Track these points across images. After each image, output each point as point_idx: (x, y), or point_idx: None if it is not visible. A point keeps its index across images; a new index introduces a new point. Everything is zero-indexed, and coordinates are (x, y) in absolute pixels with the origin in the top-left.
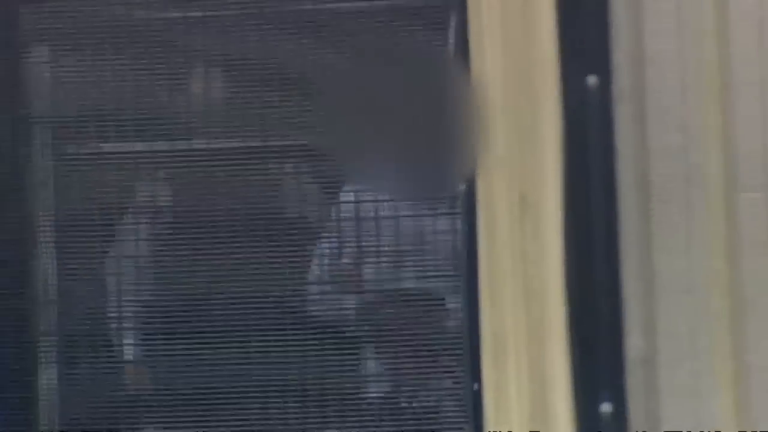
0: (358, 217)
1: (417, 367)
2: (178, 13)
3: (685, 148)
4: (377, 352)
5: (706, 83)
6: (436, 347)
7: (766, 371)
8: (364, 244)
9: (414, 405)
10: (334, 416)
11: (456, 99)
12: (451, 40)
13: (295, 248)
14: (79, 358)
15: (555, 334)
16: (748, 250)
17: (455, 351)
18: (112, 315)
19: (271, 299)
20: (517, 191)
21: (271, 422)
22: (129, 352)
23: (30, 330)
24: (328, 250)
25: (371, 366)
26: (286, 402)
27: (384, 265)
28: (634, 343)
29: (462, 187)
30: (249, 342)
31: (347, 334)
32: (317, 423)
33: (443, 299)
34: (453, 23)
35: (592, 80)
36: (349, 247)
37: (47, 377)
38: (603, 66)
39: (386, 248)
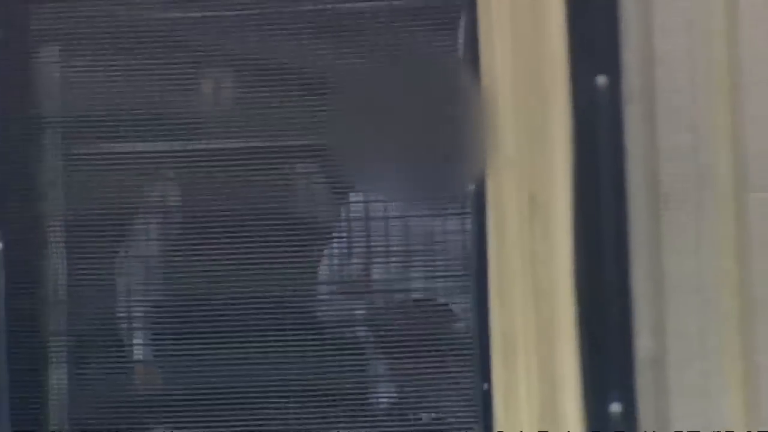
0: (367, 217)
1: (427, 367)
2: (188, 13)
3: (694, 148)
4: (387, 352)
5: (716, 83)
6: (445, 347)
7: None
8: (373, 244)
9: (424, 405)
10: (344, 415)
11: (465, 99)
12: (461, 39)
13: (305, 249)
14: (89, 358)
15: (564, 334)
16: (758, 250)
17: (465, 351)
18: (122, 315)
19: (280, 300)
20: (527, 191)
21: (281, 422)
22: (138, 352)
23: (40, 330)
24: (337, 251)
25: (382, 366)
26: (298, 400)
27: (393, 265)
28: (643, 343)
29: (471, 187)
30: (259, 342)
31: (357, 334)
32: (327, 422)
33: (453, 299)
34: (462, 23)
35: (601, 80)
36: (358, 247)
37: (57, 377)
38: (612, 66)
39: (395, 248)
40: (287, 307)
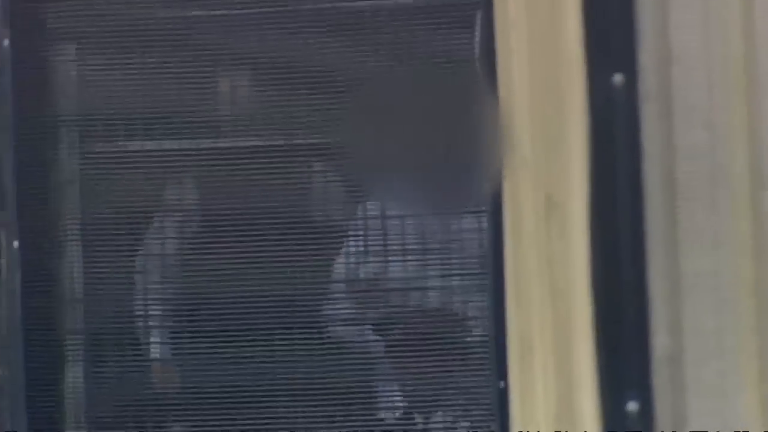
0: (383, 215)
1: (443, 366)
2: (203, 11)
3: (711, 146)
4: (403, 351)
5: (733, 81)
6: (462, 346)
7: None
8: (389, 243)
9: (440, 403)
10: (360, 414)
11: (481, 98)
12: (477, 38)
13: (320, 247)
14: (105, 357)
15: (581, 333)
16: None
17: (481, 349)
18: (138, 313)
19: (296, 298)
20: (543, 191)
21: (300, 420)
22: (155, 351)
23: (56, 328)
24: (353, 249)
25: (398, 365)
26: (312, 398)
27: (409, 264)
28: (660, 341)
29: (488, 187)
30: (277, 341)
31: (373, 333)
32: (341, 419)
33: (469, 299)
34: (479, 21)
35: (618, 79)
36: (374, 246)
37: (73, 375)
38: (629, 64)
39: (411, 247)
40: (303, 306)
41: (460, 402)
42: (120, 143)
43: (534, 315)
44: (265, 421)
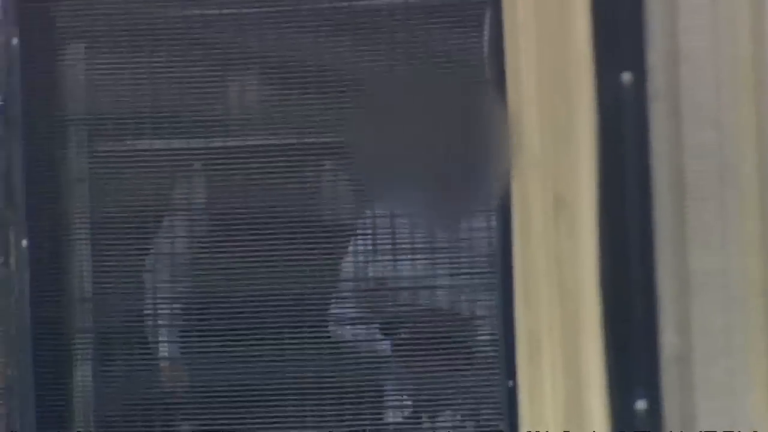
0: (392, 214)
1: (452, 365)
2: (213, 10)
3: (719, 146)
4: (412, 350)
5: (741, 80)
6: (470, 345)
7: None
8: (399, 242)
9: (449, 403)
10: (369, 413)
11: (490, 98)
12: (486, 37)
13: (329, 246)
14: (114, 356)
15: (589, 332)
16: None
17: (490, 348)
18: (147, 313)
19: (305, 297)
20: (552, 190)
21: (306, 419)
22: (164, 350)
23: (65, 328)
24: (362, 248)
25: (407, 363)
26: (320, 397)
27: (419, 263)
28: (668, 340)
29: (497, 186)
30: (286, 340)
31: (382, 331)
32: (351, 418)
33: (479, 298)
34: (488, 21)
35: (626, 77)
36: (383, 244)
37: (82, 375)
38: (638, 63)
39: (420, 246)
40: (312, 305)
41: (468, 401)
42: (129, 142)
43: (543, 314)
44: (274, 420)
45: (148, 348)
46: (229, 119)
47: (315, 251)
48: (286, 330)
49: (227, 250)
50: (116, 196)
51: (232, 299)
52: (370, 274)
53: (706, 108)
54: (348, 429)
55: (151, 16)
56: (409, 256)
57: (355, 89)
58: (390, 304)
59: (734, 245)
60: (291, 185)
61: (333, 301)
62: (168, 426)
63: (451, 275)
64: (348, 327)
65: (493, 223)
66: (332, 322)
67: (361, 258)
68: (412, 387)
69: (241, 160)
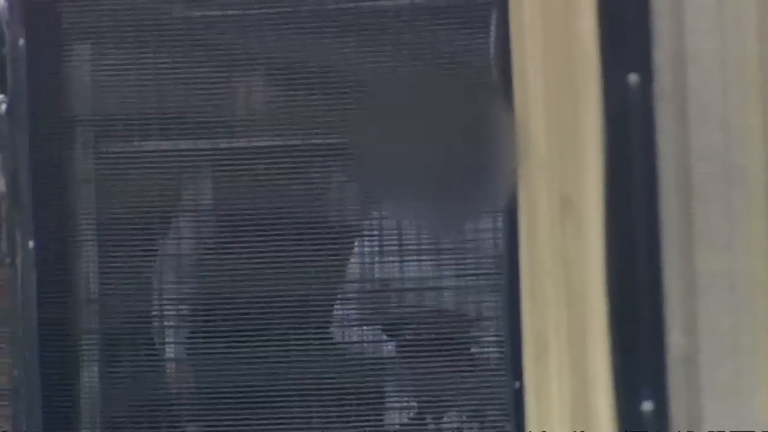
0: (398, 215)
1: (458, 367)
2: (219, 11)
3: (726, 147)
4: (418, 352)
5: (748, 81)
6: (477, 346)
7: None
8: (405, 243)
9: (455, 404)
10: (375, 414)
11: (497, 99)
12: (492, 38)
13: (335, 247)
14: (121, 357)
15: (596, 333)
16: None
17: (496, 350)
18: (154, 313)
19: (312, 298)
20: (558, 191)
21: (311, 420)
22: (171, 351)
23: (72, 329)
24: (368, 249)
25: (413, 365)
26: (326, 399)
27: (425, 265)
28: (675, 341)
29: (503, 187)
30: (293, 342)
31: (388, 333)
32: (356, 420)
33: (485, 299)
34: (494, 22)
35: (633, 78)
36: (390, 246)
37: (89, 376)
38: (644, 64)
39: (427, 247)
40: (318, 307)
41: (475, 402)
42: (135, 143)
43: (549, 315)
44: (280, 421)
45: (155, 349)
46: (235, 120)
47: (321, 252)
48: (292, 331)
49: (233, 252)
50: (123, 197)
51: (238, 301)
52: (377, 276)
53: (713, 109)
54: (354, 430)
55: (157, 16)
56: (415, 258)
57: (361, 91)
58: (396, 305)
59: (741, 246)
60: (297, 186)
61: (339, 302)
62: (174, 427)
63: (458, 276)
64: (355, 328)
65: (500, 224)
66: (338, 324)
67: (367, 259)
68: (418, 388)
69: (247, 161)
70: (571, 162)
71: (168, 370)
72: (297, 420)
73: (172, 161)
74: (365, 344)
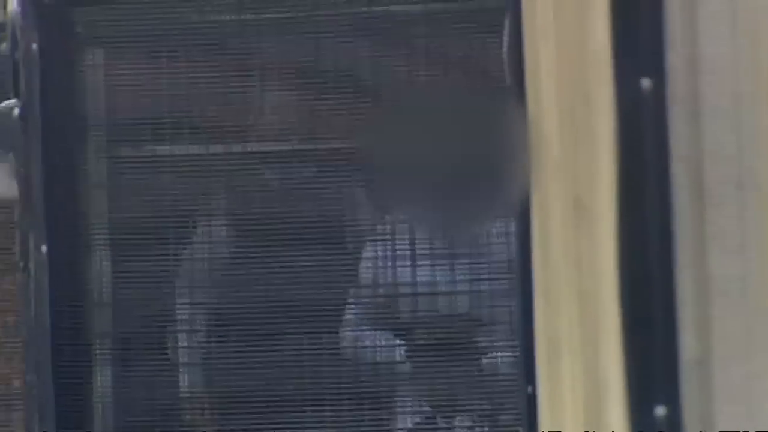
0: (412, 219)
1: (471, 371)
2: (233, 16)
3: (739, 151)
4: (431, 356)
5: (762, 85)
6: (489, 351)
7: None
8: (417, 247)
9: (468, 408)
10: (388, 418)
11: (509, 102)
12: (505, 42)
13: (347, 252)
14: (134, 360)
15: (609, 338)
16: None
17: (509, 354)
18: (167, 317)
19: (324, 303)
20: (572, 194)
21: (324, 422)
22: (184, 355)
23: (85, 332)
24: (381, 253)
25: (426, 368)
26: (339, 402)
27: (438, 268)
28: (688, 345)
29: (516, 190)
30: (303, 346)
31: (400, 336)
32: (370, 423)
33: (497, 303)
34: (507, 26)
35: (646, 83)
36: (402, 250)
37: (102, 379)
38: (657, 68)
39: (440, 252)
40: (331, 311)
41: (487, 407)
42: (148, 147)
43: (562, 318)
44: (294, 426)
45: (168, 352)
46: (248, 125)
47: (334, 257)
48: (306, 335)
49: (246, 256)
50: (135, 202)
51: (251, 305)
52: (390, 280)
53: (726, 113)
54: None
55: (170, 21)
56: (428, 262)
57: (374, 95)
58: (409, 310)
59: (754, 249)
60: (310, 191)
61: (353, 307)
62: (188, 431)
63: (471, 280)
64: (368, 333)
65: (513, 228)
66: (352, 328)
67: (380, 264)
68: (431, 393)
69: (260, 166)
70: (584, 165)
71: (182, 378)
72: (311, 424)
73: (185, 166)
74: (378, 349)
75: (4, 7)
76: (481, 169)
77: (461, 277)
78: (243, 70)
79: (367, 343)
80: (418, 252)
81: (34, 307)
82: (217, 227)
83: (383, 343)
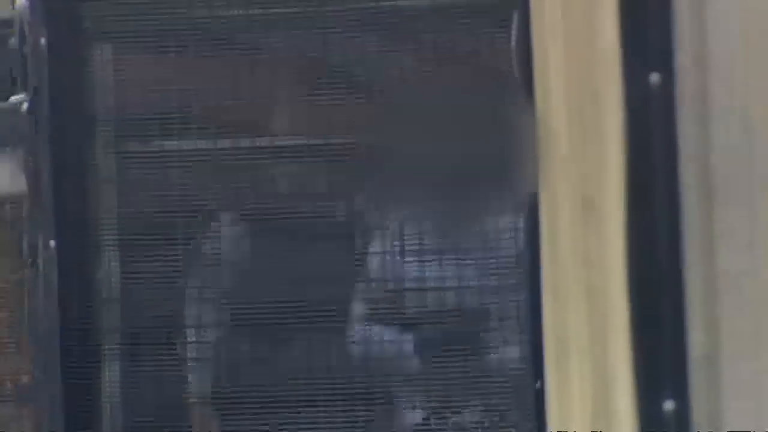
0: (419, 215)
1: (479, 367)
2: (240, 10)
3: (748, 147)
4: (440, 348)
5: None
6: (498, 346)
7: None
8: (425, 242)
9: (476, 404)
10: (392, 414)
11: (518, 98)
12: (514, 39)
13: (353, 247)
14: (144, 358)
15: (617, 333)
16: None
17: (517, 350)
18: (177, 313)
19: (332, 299)
20: (580, 191)
21: (336, 419)
22: (194, 352)
23: (94, 329)
24: (389, 249)
25: (434, 362)
26: (351, 398)
27: (446, 264)
28: (696, 341)
29: (525, 187)
30: (312, 342)
31: (407, 330)
32: (378, 420)
33: (506, 299)
34: (515, 22)
35: (654, 78)
36: (411, 245)
37: (111, 377)
38: (666, 64)
39: (448, 247)
40: (340, 307)
41: (495, 402)
42: (157, 142)
43: (570, 314)
44: (303, 422)
45: (177, 349)
46: (256, 119)
47: (340, 252)
48: (313, 332)
49: (255, 251)
50: (144, 197)
51: (262, 300)
52: (397, 275)
53: (735, 109)
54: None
55: (179, 16)
56: (436, 257)
57: (382, 90)
58: (416, 305)
59: (762, 247)
60: (318, 185)
61: (359, 302)
62: (197, 428)
63: (479, 276)
64: (375, 328)
65: (521, 224)
66: (360, 324)
67: (388, 259)
68: (438, 388)
69: (268, 161)
70: (592, 161)
71: (190, 376)
72: (321, 421)
73: (195, 161)
74: (385, 344)
75: (12, 2)
76: (489, 165)
77: (470, 273)
78: (251, 65)
79: (375, 339)
80: (425, 247)
81: (42, 302)
82: (225, 223)
83: (391, 338)
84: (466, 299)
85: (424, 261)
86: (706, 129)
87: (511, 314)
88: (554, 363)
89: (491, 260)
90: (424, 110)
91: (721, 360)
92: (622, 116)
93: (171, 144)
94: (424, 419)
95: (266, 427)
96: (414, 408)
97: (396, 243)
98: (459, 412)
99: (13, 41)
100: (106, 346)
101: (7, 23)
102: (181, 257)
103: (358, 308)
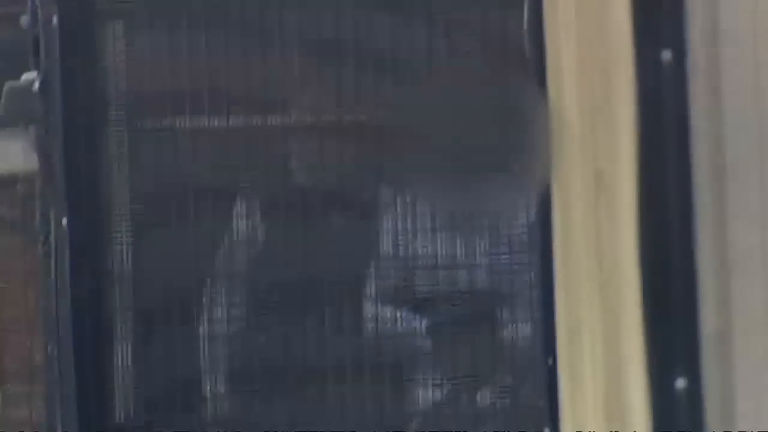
0: (431, 195)
1: (491, 344)
2: None
3: (760, 123)
4: (451, 327)
5: None
6: (510, 324)
7: None
8: (438, 222)
9: (489, 381)
10: (402, 391)
11: (529, 76)
12: (525, 16)
13: (365, 227)
14: (156, 336)
15: (629, 311)
16: None
17: (530, 326)
18: (189, 291)
19: (344, 278)
20: (592, 169)
21: (345, 397)
22: (207, 330)
23: (106, 308)
24: (401, 227)
25: (446, 341)
26: (359, 376)
27: (458, 242)
28: (708, 318)
29: (537, 165)
30: (324, 319)
31: (420, 309)
32: (390, 398)
33: (518, 277)
34: (527, 2)
35: (666, 55)
36: (423, 225)
37: (123, 355)
38: (677, 41)
39: (461, 225)
40: (350, 286)
41: (508, 379)
42: (169, 121)
43: (583, 291)
44: (314, 399)
45: (190, 327)
46: (268, 97)
47: (352, 231)
48: (329, 309)
49: (268, 230)
50: (156, 175)
51: (273, 279)
52: (409, 253)
53: (746, 85)
54: (387, 408)
55: None
56: (449, 235)
57: (394, 69)
58: (428, 283)
59: None
60: (329, 164)
61: (373, 282)
62: (210, 405)
63: (491, 254)
64: (388, 306)
65: (533, 202)
66: (370, 302)
67: (400, 237)
68: (451, 365)
69: (281, 139)
70: (604, 139)
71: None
72: (331, 396)
73: (207, 139)
74: (396, 322)
75: None
76: (501, 144)
77: (482, 251)
78: (264, 42)
79: (387, 316)
80: (437, 225)
81: (54, 280)
82: (237, 201)
83: (404, 316)
84: (477, 277)
85: (435, 239)
86: (717, 104)
87: (522, 292)
88: (566, 341)
89: (503, 238)
90: (433, 89)
91: (733, 336)
92: (634, 92)
93: (183, 122)
94: (436, 396)
95: (296, 403)
96: (427, 385)
97: (408, 221)
98: (472, 390)
99: (25, 20)
100: (120, 322)
101: (19, 2)
102: (192, 235)
103: (370, 286)
